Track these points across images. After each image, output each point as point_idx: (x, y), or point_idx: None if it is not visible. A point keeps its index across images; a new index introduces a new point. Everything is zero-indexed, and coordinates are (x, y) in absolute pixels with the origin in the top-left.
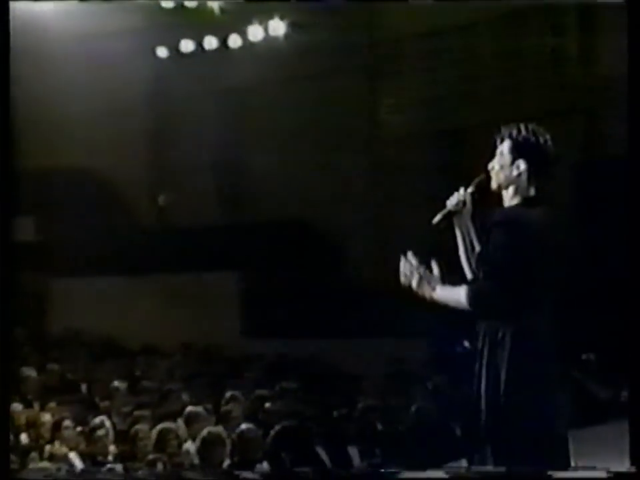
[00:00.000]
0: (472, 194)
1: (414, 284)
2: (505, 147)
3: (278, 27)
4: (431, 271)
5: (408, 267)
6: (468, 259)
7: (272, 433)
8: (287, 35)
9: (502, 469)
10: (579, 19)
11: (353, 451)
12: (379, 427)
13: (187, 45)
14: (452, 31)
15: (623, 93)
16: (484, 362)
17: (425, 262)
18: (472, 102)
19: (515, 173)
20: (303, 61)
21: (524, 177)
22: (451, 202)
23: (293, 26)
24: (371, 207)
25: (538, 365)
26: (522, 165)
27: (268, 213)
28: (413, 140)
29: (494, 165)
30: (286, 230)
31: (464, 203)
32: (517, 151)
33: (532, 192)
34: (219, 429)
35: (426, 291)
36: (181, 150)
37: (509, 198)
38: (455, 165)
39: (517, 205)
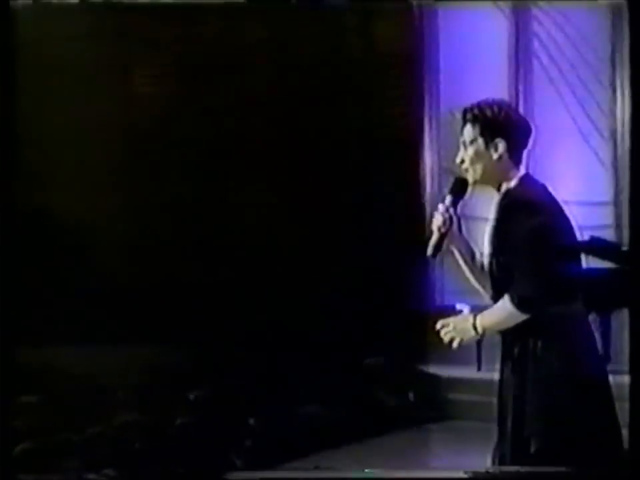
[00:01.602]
0: (454, 203)
1: (459, 340)
2: (472, 133)
3: None
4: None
5: (445, 331)
6: (477, 277)
7: (10, 456)
8: None
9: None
10: None
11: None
12: (138, 445)
13: None
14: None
15: (402, 72)
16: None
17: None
18: (239, 76)
19: (495, 156)
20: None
21: (506, 158)
22: (437, 224)
23: None
24: (121, 193)
25: (585, 365)
26: (501, 145)
27: None
28: (171, 116)
29: (464, 158)
30: (19, 220)
31: (450, 218)
32: (490, 131)
33: (522, 171)
34: None
35: (472, 334)
36: None
37: (501, 188)
38: (220, 143)
39: (515, 186)
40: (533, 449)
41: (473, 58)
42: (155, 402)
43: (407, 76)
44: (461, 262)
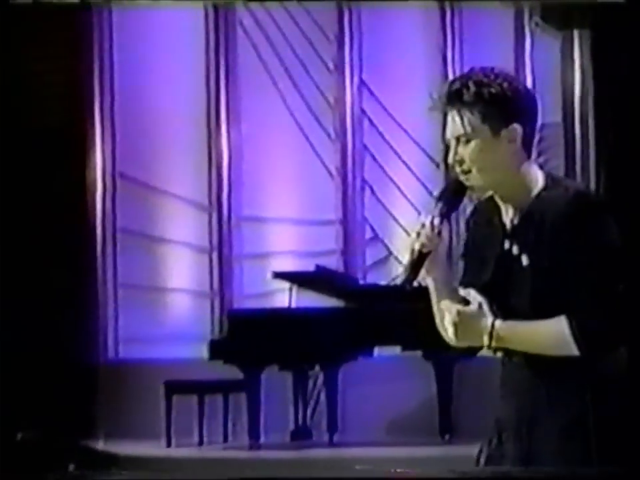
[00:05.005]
0: (445, 215)
1: (454, 339)
2: (472, 119)
3: None
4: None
5: (448, 318)
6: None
7: None
8: None
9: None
10: None
11: None
12: None
13: None
14: None
15: (71, 69)
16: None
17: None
18: None
19: (511, 149)
20: None
21: (521, 150)
22: (420, 241)
23: None
24: None
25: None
26: (518, 132)
27: None
28: None
29: (463, 156)
30: None
31: (439, 233)
32: (500, 114)
33: (538, 172)
34: None
35: (483, 343)
36: None
37: (520, 193)
38: None
39: (554, 184)
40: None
41: (160, 54)
42: None
43: (75, 75)
44: (435, 298)
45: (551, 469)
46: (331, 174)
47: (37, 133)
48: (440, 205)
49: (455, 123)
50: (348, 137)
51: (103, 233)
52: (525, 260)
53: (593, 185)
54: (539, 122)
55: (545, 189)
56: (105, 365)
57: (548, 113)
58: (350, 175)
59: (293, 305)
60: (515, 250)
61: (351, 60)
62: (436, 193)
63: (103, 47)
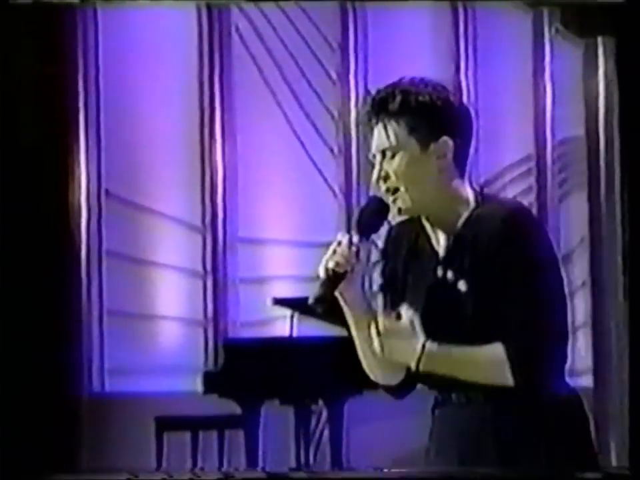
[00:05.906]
0: (365, 234)
1: (380, 351)
2: (398, 131)
3: None
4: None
5: (376, 330)
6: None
7: None
8: None
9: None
10: None
11: None
12: None
13: None
14: None
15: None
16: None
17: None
18: None
19: (442, 164)
20: None
21: (452, 167)
22: (335, 260)
23: None
24: None
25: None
26: (449, 145)
27: None
28: None
29: (388, 172)
30: None
31: (357, 255)
32: (429, 126)
33: (469, 191)
34: None
35: (408, 362)
36: None
37: (451, 214)
38: None
39: (483, 205)
40: None
41: (150, 63)
42: None
43: (56, 83)
44: (353, 326)
45: (497, 469)
46: (334, 192)
47: (15, 147)
48: (360, 224)
49: (380, 136)
50: (352, 152)
51: (87, 255)
52: (462, 286)
53: (618, 204)
54: (473, 137)
55: (476, 208)
56: (89, 398)
57: (569, 125)
58: (354, 194)
59: (295, 334)
60: (450, 276)
61: (356, 68)
62: (356, 211)
63: (88, 52)
